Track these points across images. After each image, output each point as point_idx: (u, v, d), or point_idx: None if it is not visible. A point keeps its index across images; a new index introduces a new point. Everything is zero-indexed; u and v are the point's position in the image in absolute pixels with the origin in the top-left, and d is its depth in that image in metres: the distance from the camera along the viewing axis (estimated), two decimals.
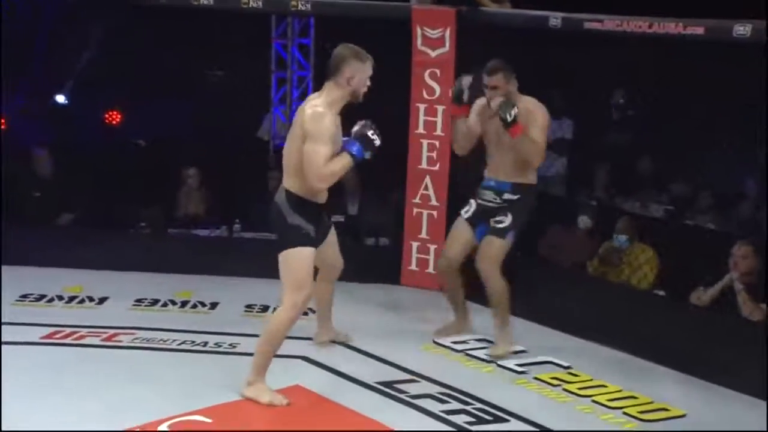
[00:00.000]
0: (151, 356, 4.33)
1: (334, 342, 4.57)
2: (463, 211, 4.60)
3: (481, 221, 4.52)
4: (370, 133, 3.82)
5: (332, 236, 4.21)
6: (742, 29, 4.05)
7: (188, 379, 4.06)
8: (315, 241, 3.91)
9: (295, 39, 6.97)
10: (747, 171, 6.38)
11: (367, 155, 3.83)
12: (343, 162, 3.79)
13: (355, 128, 3.85)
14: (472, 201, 4.57)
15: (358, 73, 3.80)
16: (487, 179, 4.53)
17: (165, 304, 5.17)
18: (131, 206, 6.17)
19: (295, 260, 3.82)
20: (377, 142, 3.82)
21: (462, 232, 4.58)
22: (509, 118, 4.23)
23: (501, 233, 4.43)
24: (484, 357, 4.52)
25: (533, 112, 4.38)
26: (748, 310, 4.56)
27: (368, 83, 3.84)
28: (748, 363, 4.19)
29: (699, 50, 4.83)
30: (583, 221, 5.78)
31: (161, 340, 4.53)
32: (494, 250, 4.43)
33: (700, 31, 4.21)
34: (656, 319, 4.69)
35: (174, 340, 4.53)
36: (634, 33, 4.45)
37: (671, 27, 4.30)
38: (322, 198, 3.93)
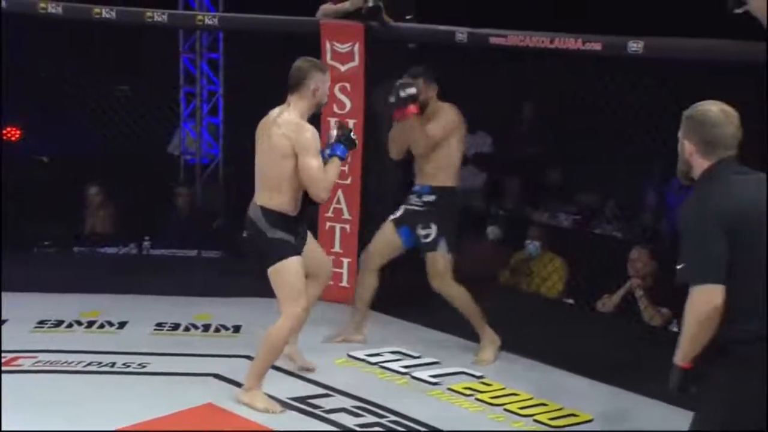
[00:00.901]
0: (54, 379, 4.18)
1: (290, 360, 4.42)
2: (392, 216, 4.76)
3: (405, 224, 4.67)
4: (351, 134, 4.02)
5: (310, 238, 4.20)
6: (635, 46, 4.23)
7: (93, 402, 3.94)
8: (299, 250, 3.99)
9: (204, 53, 6.88)
10: (647, 182, 6.61)
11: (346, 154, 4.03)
12: (336, 168, 3.98)
13: (334, 131, 4.03)
14: (402, 206, 4.73)
15: (321, 84, 3.96)
16: (414, 186, 4.70)
17: (70, 325, 5.02)
18: (34, 225, 5.99)
19: (287, 272, 3.90)
20: (356, 141, 4.05)
21: (385, 231, 4.75)
22: (392, 99, 4.43)
23: (432, 246, 4.58)
24: (399, 369, 4.54)
25: (440, 112, 4.56)
26: (648, 315, 4.72)
27: (328, 92, 4.05)
28: (649, 367, 4.33)
29: (603, 66, 5.01)
30: (493, 232, 5.89)
31: (65, 362, 4.38)
32: (436, 264, 4.59)
33: (597, 47, 4.38)
34: (565, 327, 4.81)
35: (79, 362, 4.39)
36: (537, 48, 4.58)
37: (571, 42, 4.44)
38: (297, 210, 4.01)
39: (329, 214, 5.49)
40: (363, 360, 4.64)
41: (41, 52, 6.59)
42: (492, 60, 5.22)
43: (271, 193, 3.91)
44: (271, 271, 3.92)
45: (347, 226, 5.45)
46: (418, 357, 4.72)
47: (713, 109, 2.64)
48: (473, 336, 4.98)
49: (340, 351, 4.74)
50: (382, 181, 5.62)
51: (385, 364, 4.59)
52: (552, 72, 5.75)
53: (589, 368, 4.50)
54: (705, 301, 2.47)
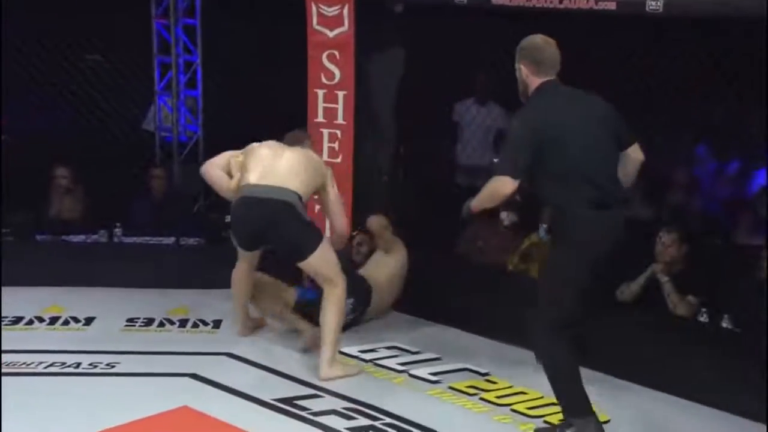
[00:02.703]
0: (11, 383, 4.14)
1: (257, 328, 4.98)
2: None
3: None
4: None
5: None
6: (654, 4, 4.15)
7: (56, 407, 3.93)
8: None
9: (180, 19, 6.81)
10: (675, 156, 6.55)
11: None
12: None
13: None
14: None
15: None
16: None
17: (30, 322, 5.02)
18: None
19: (330, 253, 4.44)
20: None
21: None
22: None
23: None
24: (395, 366, 4.54)
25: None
26: (673, 304, 4.66)
27: None
28: (674, 362, 4.30)
29: (619, 27, 4.94)
30: (508, 216, 5.84)
31: (24, 363, 4.37)
32: None
33: (612, 6, 4.30)
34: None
35: (40, 363, 4.38)
36: (544, 9, 4.51)
37: (582, 2, 4.37)
38: None
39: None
40: (356, 357, 4.63)
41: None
42: (491, 23, 5.15)
43: (301, 181, 4.42)
44: (317, 255, 4.35)
45: None
46: (416, 352, 4.72)
47: (537, 37, 3.82)
48: (479, 329, 4.97)
49: None
50: (376, 160, 5.59)
51: (380, 361, 4.59)
52: (562, 35, 5.68)
53: (607, 363, 4.47)
54: (501, 186, 3.63)
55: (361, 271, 5.21)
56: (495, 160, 3.93)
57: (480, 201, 3.77)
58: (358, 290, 5.03)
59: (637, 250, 5.07)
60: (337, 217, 4.68)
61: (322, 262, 4.39)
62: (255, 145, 4.60)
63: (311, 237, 4.40)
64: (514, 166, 3.62)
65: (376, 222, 5.24)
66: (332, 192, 4.62)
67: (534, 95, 3.74)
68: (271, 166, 4.45)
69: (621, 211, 3.72)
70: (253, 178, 4.43)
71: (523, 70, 3.77)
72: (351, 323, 4.99)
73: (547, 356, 3.74)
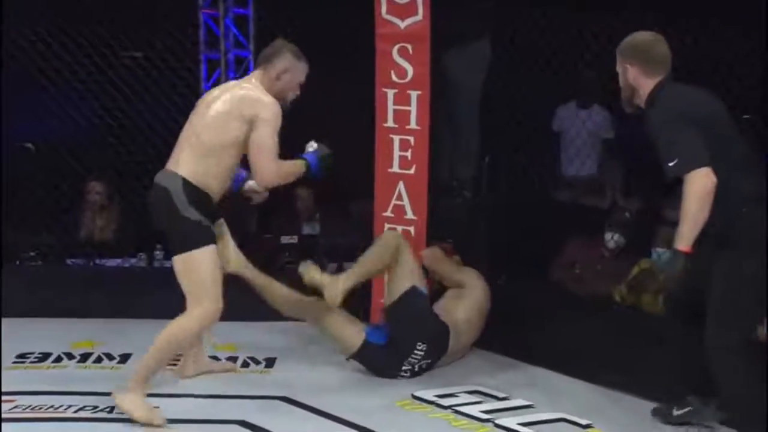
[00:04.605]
0: (36, 429, 4.22)
1: (205, 373, 4.90)
2: None
3: None
4: (327, 157, 4.46)
5: (223, 227, 4.57)
6: None
7: None
8: (215, 238, 4.28)
9: (231, 9, 6.95)
10: None
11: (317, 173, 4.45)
12: (297, 168, 4.36)
13: (312, 147, 4.49)
14: None
15: (291, 70, 4.39)
16: None
17: (59, 359, 5.12)
18: (18, 231, 6.12)
19: (202, 262, 4.17)
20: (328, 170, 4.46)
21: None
22: None
23: None
24: (479, 414, 4.52)
25: None
26: None
27: (298, 91, 4.43)
28: None
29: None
30: (614, 238, 5.77)
31: (51, 406, 4.44)
32: None
33: None
34: (701, 359, 4.67)
35: (69, 406, 4.45)
36: None
37: None
38: (218, 196, 4.32)
39: (388, 214, 5.51)
40: (432, 402, 4.64)
41: (26, 8, 6.70)
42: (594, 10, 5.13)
43: (198, 164, 4.19)
44: (183, 258, 4.18)
45: (411, 229, 5.44)
46: (504, 398, 4.72)
47: (645, 34, 3.97)
48: (578, 371, 4.93)
49: (402, 390, 4.76)
50: (456, 170, 5.59)
51: (461, 408, 4.58)
52: (682, 23, 5.62)
53: (738, 415, 4.36)
54: (703, 181, 3.68)
55: (435, 307, 5.17)
56: (670, 164, 3.75)
57: (693, 224, 3.71)
58: (433, 333, 5.01)
59: None
60: (257, 158, 4.17)
61: (186, 270, 4.17)
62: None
63: (185, 235, 4.14)
64: (698, 155, 3.69)
65: (426, 257, 5.26)
66: (262, 132, 4.14)
67: (657, 92, 3.86)
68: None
69: None
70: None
71: (630, 72, 3.92)
72: (423, 370, 5.00)
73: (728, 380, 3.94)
